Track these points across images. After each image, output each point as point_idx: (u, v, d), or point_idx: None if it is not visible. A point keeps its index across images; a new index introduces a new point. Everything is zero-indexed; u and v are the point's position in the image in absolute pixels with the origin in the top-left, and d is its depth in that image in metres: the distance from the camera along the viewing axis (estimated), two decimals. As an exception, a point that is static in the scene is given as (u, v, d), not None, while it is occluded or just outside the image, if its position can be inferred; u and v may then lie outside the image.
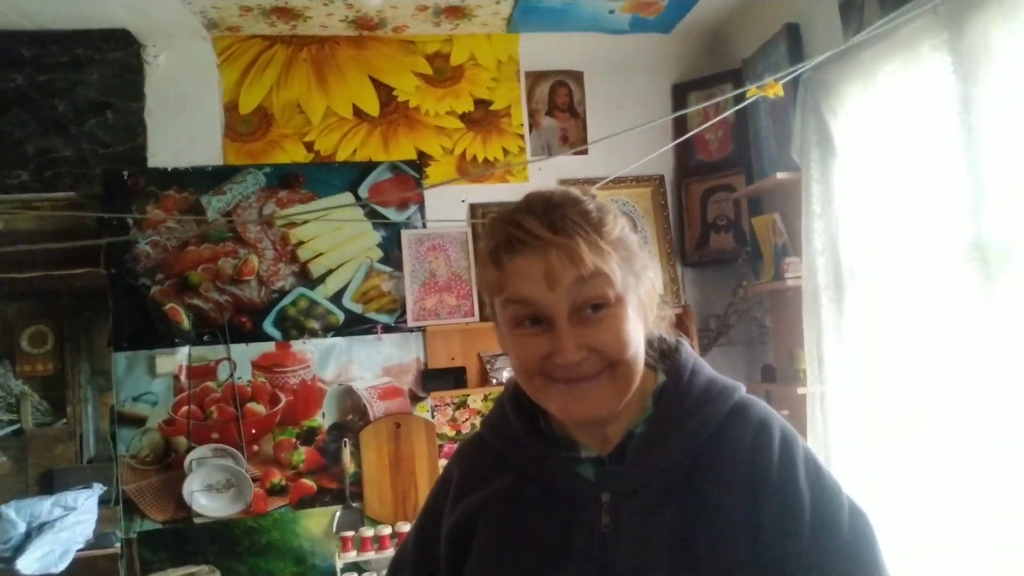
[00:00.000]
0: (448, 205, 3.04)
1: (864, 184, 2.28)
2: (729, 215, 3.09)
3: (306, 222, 2.92)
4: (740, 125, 3.04)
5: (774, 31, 2.74)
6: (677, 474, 0.85)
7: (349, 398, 2.92)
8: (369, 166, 3.03)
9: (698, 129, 2.94)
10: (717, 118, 2.72)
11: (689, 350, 0.96)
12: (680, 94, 3.27)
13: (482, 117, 3.15)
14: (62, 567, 4.60)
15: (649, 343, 0.91)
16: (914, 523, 2.09)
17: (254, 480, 2.79)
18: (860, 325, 2.31)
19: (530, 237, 0.82)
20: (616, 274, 0.83)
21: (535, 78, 3.21)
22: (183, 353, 2.81)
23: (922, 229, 2.04)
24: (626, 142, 3.05)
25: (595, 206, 0.86)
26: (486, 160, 3.13)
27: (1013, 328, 1.73)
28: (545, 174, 3.11)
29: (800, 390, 2.54)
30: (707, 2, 2.96)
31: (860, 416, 2.29)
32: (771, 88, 2.02)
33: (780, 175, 2.65)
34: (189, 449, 2.76)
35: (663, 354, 0.95)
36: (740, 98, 2.33)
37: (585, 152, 3.14)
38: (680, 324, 3.12)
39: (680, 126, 3.10)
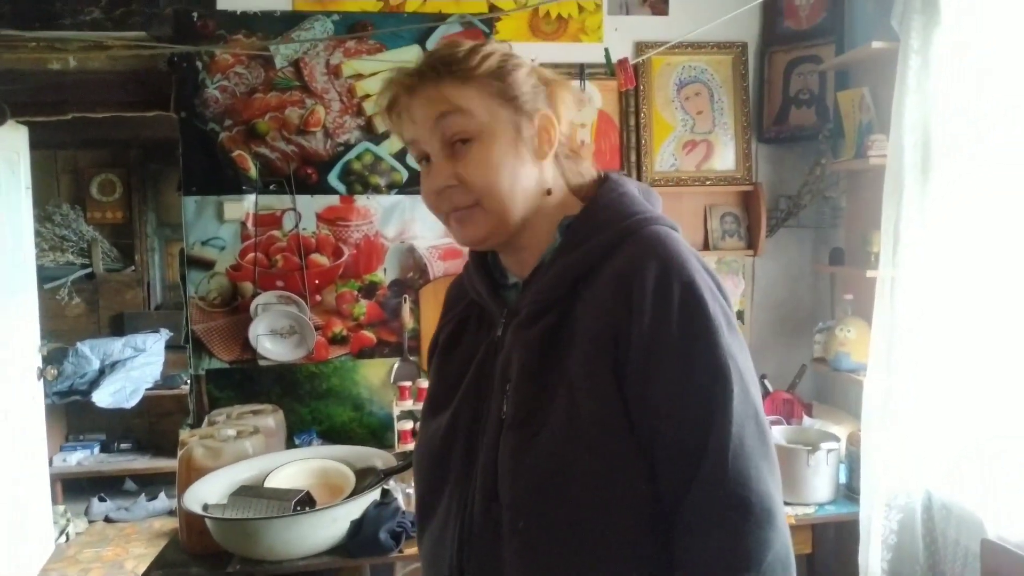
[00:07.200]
0: (518, 64, 2.93)
1: (969, 60, 2.12)
2: (813, 89, 2.92)
3: (373, 74, 2.86)
4: (836, -11, 2.83)
5: None
6: (558, 295, 0.94)
7: (410, 256, 2.95)
8: (438, 18, 2.92)
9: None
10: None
11: (615, 183, 1.00)
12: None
13: (558, -29, 2.98)
14: (133, 403, 4.92)
15: (567, 178, 1.01)
16: (972, 416, 2.07)
17: (316, 328, 2.87)
18: (945, 210, 2.20)
19: (402, 87, 0.94)
20: (479, 109, 0.92)
21: (617, -70, 3.00)
22: (250, 201, 2.84)
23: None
24: (711, 6, 2.88)
25: (468, 47, 0.95)
26: (559, 17, 2.98)
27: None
28: (621, 34, 2.96)
29: (870, 273, 2.47)
30: None
31: (931, 305, 2.22)
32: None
33: (875, 44, 2.47)
34: (255, 295, 2.84)
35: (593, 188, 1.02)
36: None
37: (665, 12, 2.97)
38: (749, 203, 3.03)
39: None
